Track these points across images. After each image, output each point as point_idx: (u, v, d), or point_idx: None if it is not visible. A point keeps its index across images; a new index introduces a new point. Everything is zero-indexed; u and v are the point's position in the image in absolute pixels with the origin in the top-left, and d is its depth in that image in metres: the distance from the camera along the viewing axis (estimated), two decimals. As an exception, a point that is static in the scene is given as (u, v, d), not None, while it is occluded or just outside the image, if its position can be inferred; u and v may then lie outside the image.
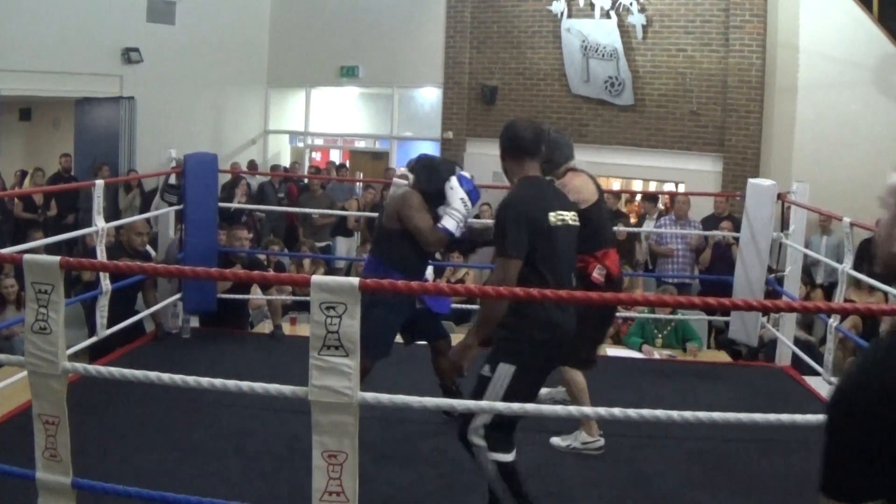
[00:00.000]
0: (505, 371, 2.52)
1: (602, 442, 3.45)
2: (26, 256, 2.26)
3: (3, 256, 2.31)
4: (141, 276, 4.64)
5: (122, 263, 2.14)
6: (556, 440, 3.50)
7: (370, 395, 2.15)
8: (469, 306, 5.66)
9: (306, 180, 9.49)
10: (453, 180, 3.51)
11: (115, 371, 2.44)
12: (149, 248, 5.61)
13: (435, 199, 3.55)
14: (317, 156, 12.10)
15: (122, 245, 5.07)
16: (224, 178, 8.11)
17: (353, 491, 2.15)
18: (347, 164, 11.72)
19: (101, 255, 4.40)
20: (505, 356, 2.54)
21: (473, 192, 3.57)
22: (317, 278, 2.09)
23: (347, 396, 2.09)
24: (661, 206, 8.24)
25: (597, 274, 3.34)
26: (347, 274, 7.22)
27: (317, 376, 2.09)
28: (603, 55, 9.04)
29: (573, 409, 2.35)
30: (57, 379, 2.25)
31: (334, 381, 2.08)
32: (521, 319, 2.55)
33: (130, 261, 4.86)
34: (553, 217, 2.62)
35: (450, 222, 3.48)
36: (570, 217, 2.72)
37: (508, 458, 2.56)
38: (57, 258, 2.24)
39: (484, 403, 2.34)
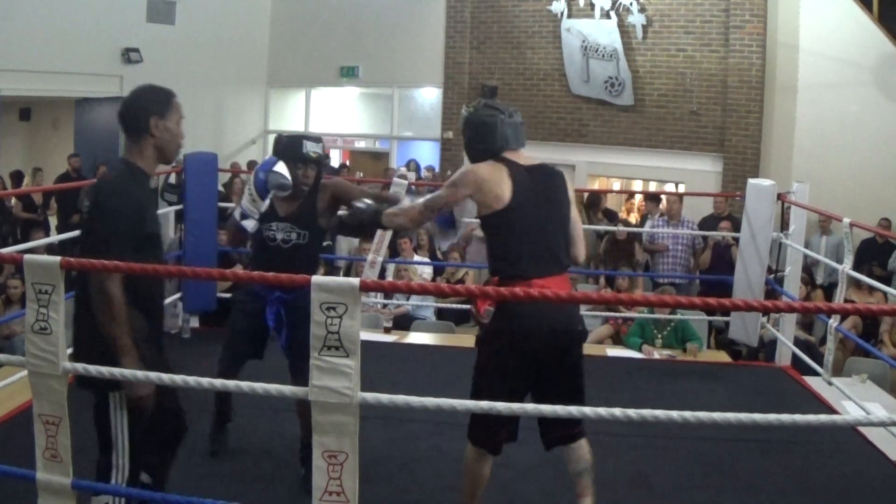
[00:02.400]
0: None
1: None
2: (27, 256, 2.26)
3: (4, 257, 2.31)
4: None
5: (123, 264, 2.13)
6: None
7: (370, 395, 2.15)
8: (468, 307, 5.66)
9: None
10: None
11: (116, 371, 2.44)
12: None
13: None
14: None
15: None
16: (224, 178, 8.11)
17: (354, 491, 2.15)
18: (348, 164, 11.72)
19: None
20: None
21: (257, 178, 3.00)
22: (317, 279, 2.09)
23: (348, 397, 2.09)
24: (662, 206, 8.24)
25: (484, 314, 2.64)
26: (347, 274, 7.22)
27: (317, 376, 2.09)
28: (603, 55, 9.05)
29: (573, 409, 2.34)
30: (57, 379, 2.25)
31: (335, 381, 2.08)
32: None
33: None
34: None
35: (236, 209, 3.11)
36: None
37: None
38: (57, 258, 2.23)
39: (484, 403, 2.34)
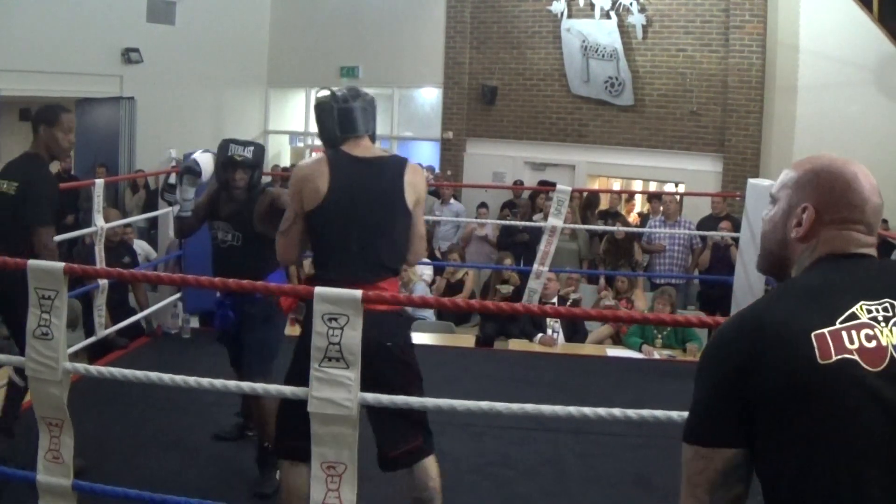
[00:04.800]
0: None
1: None
2: (31, 262, 2.26)
3: (7, 262, 2.31)
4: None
5: (126, 271, 2.16)
6: None
7: (370, 396, 2.15)
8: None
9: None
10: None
11: (116, 371, 2.44)
12: (142, 243, 5.62)
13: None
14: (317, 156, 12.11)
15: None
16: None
17: (352, 503, 2.14)
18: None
19: (100, 254, 4.41)
20: None
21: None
22: (320, 290, 2.08)
23: (347, 408, 2.09)
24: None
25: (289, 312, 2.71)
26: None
27: (317, 387, 2.09)
28: (603, 55, 9.04)
29: (572, 409, 2.34)
30: (58, 385, 2.25)
31: (335, 392, 2.08)
32: None
33: (114, 255, 4.86)
34: None
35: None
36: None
37: None
38: (61, 264, 2.24)
39: (483, 403, 2.34)
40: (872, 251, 1.16)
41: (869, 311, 1.04)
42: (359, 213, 2.32)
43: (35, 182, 3.09)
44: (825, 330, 1.02)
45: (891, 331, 1.02)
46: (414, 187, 2.41)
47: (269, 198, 3.13)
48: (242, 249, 3.13)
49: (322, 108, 2.46)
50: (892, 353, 1.01)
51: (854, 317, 1.03)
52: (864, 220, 1.15)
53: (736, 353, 1.05)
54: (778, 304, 1.08)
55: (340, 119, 2.42)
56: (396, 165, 2.42)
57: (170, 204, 5.35)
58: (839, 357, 1.00)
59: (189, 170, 3.19)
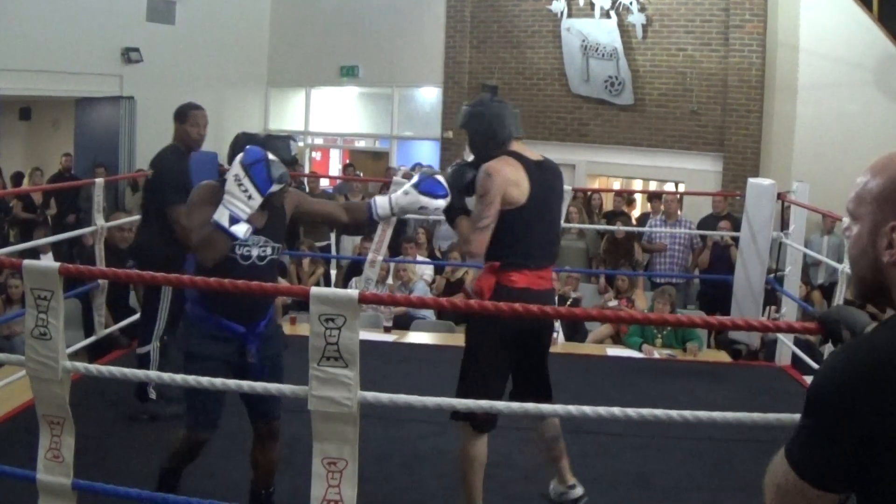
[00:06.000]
0: None
1: (580, 490, 2.96)
2: (25, 262, 2.26)
3: (3, 262, 2.31)
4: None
5: (122, 272, 2.15)
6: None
7: (370, 395, 2.15)
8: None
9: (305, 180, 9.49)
10: (238, 156, 2.48)
11: (116, 370, 2.44)
12: None
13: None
14: (317, 155, 12.10)
15: (105, 242, 5.08)
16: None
17: (352, 499, 2.14)
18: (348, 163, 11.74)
19: (100, 254, 4.41)
20: None
21: (257, 167, 2.44)
22: (316, 290, 2.08)
23: (347, 406, 2.09)
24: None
25: (467, 285, 2.85)
26: (349, 273, 7.22)
27: (316, 386, 2.09)
28: (603, 55, 9.04)
29: (572, 409, 2.35)
30: (57, 384, 2.25)
31: (334, 391, 2.08)
32: None
33: (117, 258, 4.87)
34: None
35: (220, 213, 2.43)
36: None
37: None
38: (56, 265, 2.24)
39: (484, 403, 2.34)
40: None
41: None
42: (547, 210, 2.75)
43: (164, 169, 3.80)
44: None
45: None
46: (564, 189, 2.92)
47: (294, 200, 2.74)
48: (273, 262, 2.71)
49: (497, 114, 2.74)
50: None
51: None
52: None
53: (873, 411, 0.93)
54: None
55: (515, 123, 2.77)
56: (559, 171, 2.88)
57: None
58: None
59: (282, 178, 2.51)
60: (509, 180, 2.64)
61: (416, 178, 2.74)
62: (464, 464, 2.75)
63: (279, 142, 2.62)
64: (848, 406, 0.95)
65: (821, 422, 0.99)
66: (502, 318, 2.57)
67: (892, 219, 1.00)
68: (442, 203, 2.72)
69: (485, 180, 2.64)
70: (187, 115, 3.95)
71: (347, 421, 2.10)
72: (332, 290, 2.09)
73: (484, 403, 2.25)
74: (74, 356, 3.61)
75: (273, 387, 2.24)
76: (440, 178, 2.76)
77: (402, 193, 2.72)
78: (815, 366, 4.45)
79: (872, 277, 1.05)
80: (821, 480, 1.00)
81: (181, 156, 3.89)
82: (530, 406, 2.40)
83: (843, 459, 0.97)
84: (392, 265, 6.31)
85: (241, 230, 2.45)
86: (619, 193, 8.43)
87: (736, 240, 5.51)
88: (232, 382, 2.33)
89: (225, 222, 2.42)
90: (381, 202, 2.72)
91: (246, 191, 2.42)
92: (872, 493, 0.97)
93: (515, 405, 2.35)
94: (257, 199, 2.44)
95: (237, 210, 2.43)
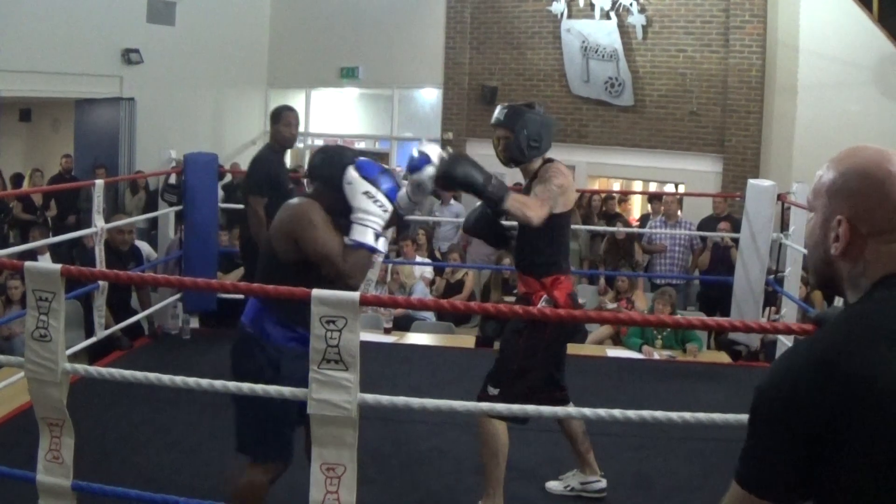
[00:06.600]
0: None
1: (603, 483, 3.13)
2: (27, 264, 2.27)
3: (5, 263, 2.31)
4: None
5: (123, 273, 2.16)
6: (552, 484, 3.21)
7: (370, 397, 2.15)
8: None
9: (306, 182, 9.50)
10: (350, 172, 2.39)
11: (115, 372, 2.44)
12: (143, 244, 5.62)
13: (343, 207, 2.41)
14: (317, 156, 12.08)
15: (107, 245, 5.09)
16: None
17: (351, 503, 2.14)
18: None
19: (100, 255, 4.41)
20: None
21: (383, 178, 2.42)
22: (317, 292, 2.08)
23: (347, 410, 2.09)
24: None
25: (543, 305, 2.77)
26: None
27: (316, 389, 2.09)
28: (603, 56, 9.04)
29: (573, 410, 2.36)
30: (57, 386, 2.25)
31: (334, 394, 2.08)
32: None
33: (118, 260, 4.87)
34: None
35: (363, 233, 2.35)
36: None
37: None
38: (58, 266, 2.24)
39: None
40: None
41: None
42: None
43: (253, 163, 4.33)
44: None
45: None
46: None
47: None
48: None
49: (545, 123, 2.84)
50: None
51: None
52: None
53: (816, 412, 0.90)
54: (857, 348, 0.92)
55: (549, 134, 2.85)
56: None
57: (170, 204, 5.39)
58: None
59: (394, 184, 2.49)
60: (571, 186, 2.83)
61: (364, 175, 2.47)
62: (491, 457, 2.84)
63: (352, 150, 2.68)
64: (789, 411, 0.93)
65: (762, 429, 0.97)
66: (563, 322, 2.71)
67: (839, 212, 1.01)
68: (430, 170, 2.66)
69: (560, 176, 2.76)
70: (280, 116, 4.39)
71: (346, 425, 2.10)
72: (334, 292, 2.09)
73: (484, 406, 2.25)
74: (74, 357, 3.61)
75: (273, 389, 2.23)
76: (415, 150, 2.73)
77: (403, 191, 2.68)
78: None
79: (824, 269, 1.06)
80: (766, 490, 0.96)
81: (274, 153, 4.34)
82: (529, 407, 2.40)
83: (790, 466, 0.94)
84: (389, 266, 6.31)
85: (383, 245, 2.43)
86: (610, 195, 8.39)
87: (736, 241, 5.51)
88: (231, 384, 2.32)
89: (372, 241, 2.36)
90: (364, 236, 2.39)
91: (382, 205, 2.37)
92: (829, 501, 0.93)
93: (515, 406, 2.35)
94: (389, 210, 2.40)
95: (377, 226, 2.37)
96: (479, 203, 2.95)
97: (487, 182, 2.61)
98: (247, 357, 2.40)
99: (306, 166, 2.91)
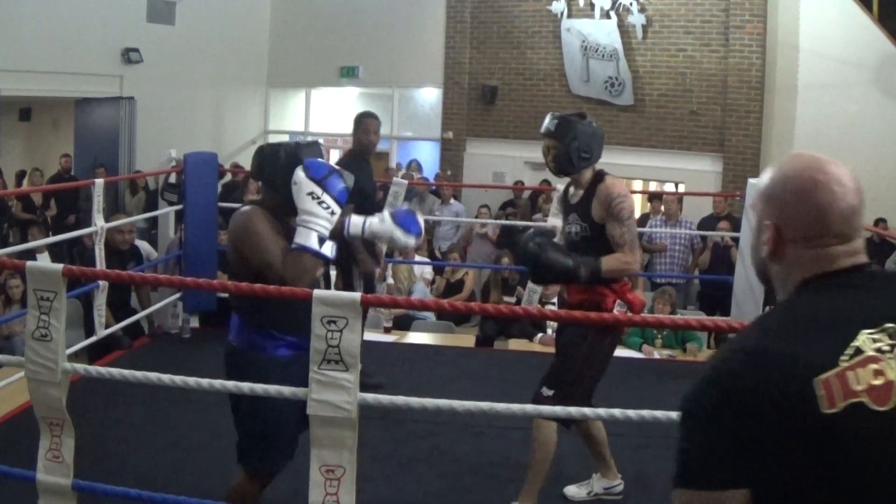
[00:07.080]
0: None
1: (622, 485, 3.18)
2: (29, 263, 2.27)
3: (6, 263, 2.31)
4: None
5: (123, 273, 2.16)
6: (571, 489, 3.20)
7: (370, 396, 2.15)
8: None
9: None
10: (297, 172, 2.29)
11: (115, 372, 2.44)
12: (143, 243, 5.62)
13: (292, 209, 2.34)
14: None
15: (107, 244, 5.09)
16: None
17: (350, 504, 2.14)
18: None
19: (100, 254, 4.41)
20: None
21: (332, 180, 2.30)
22: (318, 293, 2.08)
23: (347, 411, 2.09)
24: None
25: (618, 310, 2.85)
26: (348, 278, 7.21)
27: (316, 390, 2.09)
28: (603, 55, 9.04)
29: (573, 410, 2.36)
30: (55, 386, 2.25)
31: (334, 395, 2.08)
32: None
33: (118, 260, 4.87)
34: None
35: (306, 236, 2.27)
36: None
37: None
38: (59, 266, 2.24)
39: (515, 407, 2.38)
40: (857, 259, 1.04)
41: (874, 342, 0.94)
42: None
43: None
44: (830, 374, 0.92)
45: None
46: None
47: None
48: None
49: (595, 134, 2.90)
50: None
51: (859, 351, 0.94)
52: (831, 230, 1.03)
53: (751, 397, 0.93)
54: (783, 334, 0.98)
55: (600, 146, 2.94)
56: None
57: (170, 204, 5.38)
58: (846, 403, 0.91)
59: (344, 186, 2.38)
60: (630, 196, 2.91)
61: (394, 209, 2.61)
62: (542, 462, 2.87)
63: (313, 148, 2.45)
64: (731, 398, 0.95)
65: (703, 422, 0.97)
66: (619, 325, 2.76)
67: (767, 217, 1.07)
68: (413, 241, 2.60)
69: (625, 201, 2.81)
70: (360, 123, 4.38)
71: (346, 426, 2.10)
72: (334, 292, 2.10)
73: (477, 407, 2.25)
74: (74, 357, 3.62)
75: (273, 389, 2.23)
76: (418, 216, 2.64)
77: (378, 220, 2.56)
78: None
79: (761, 269, 1.12)
80: (717, 481, 0.95)
81: (354, 159, 4.27)
82: (529, 407, 2.40)
83: (735, 451, 0.94)
84: (389, 266, 6.31)
85: (329, 250, 2.33)
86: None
87: (736, 240, 5.51)
88: (231, 383, 2.32)
89: (315, 245, 2.27)
90: (355, 222, 2.54)
91: (328, 207, 2.28)
92: (763, 492, 0.94)
93: (515, 406, 2.35)
94: (337, 213, 2.32)
95: (322, 229, 2.28)
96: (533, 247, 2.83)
97: (578, 267, 2.76)
98: (238, 374, 2.36)
99: (248, 166, 2.69)
